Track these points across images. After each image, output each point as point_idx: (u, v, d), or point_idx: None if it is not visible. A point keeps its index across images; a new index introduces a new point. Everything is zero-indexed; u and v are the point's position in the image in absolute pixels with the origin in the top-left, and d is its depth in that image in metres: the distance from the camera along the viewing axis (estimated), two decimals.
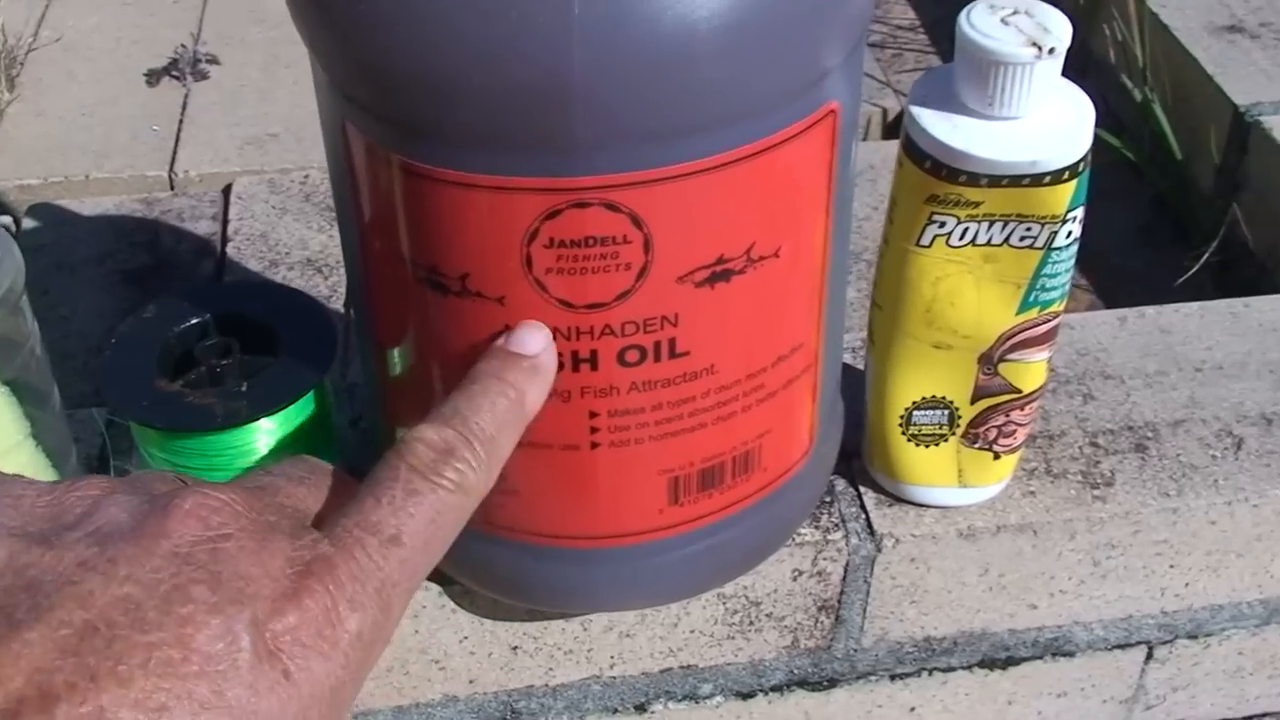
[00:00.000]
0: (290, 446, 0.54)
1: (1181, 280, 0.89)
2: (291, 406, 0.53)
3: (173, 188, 0.99)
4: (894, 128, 1.08)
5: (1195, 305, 0.72)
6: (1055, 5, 0.52)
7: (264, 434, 0.53)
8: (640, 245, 0.44)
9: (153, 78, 1.09)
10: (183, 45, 1.13)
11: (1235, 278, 0.91)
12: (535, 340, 0.45)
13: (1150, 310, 0.72)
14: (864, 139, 1.06)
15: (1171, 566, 0.64)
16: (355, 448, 0.62)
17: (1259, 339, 0.70)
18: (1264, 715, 0.73)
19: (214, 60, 1.12)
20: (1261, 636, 0.69)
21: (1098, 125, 0.52)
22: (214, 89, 1.09)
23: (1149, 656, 0.68)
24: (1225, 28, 0.96)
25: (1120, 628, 0.66)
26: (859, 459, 0.62)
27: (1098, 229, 0.96)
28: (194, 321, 0.56)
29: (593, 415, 0.48)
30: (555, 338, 0.46)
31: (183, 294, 0.57)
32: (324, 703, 0.34)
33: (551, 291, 0.45)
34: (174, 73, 1.10)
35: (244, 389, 0.53)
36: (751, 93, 0.43)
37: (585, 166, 0.43)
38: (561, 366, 0.47)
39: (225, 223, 0.94)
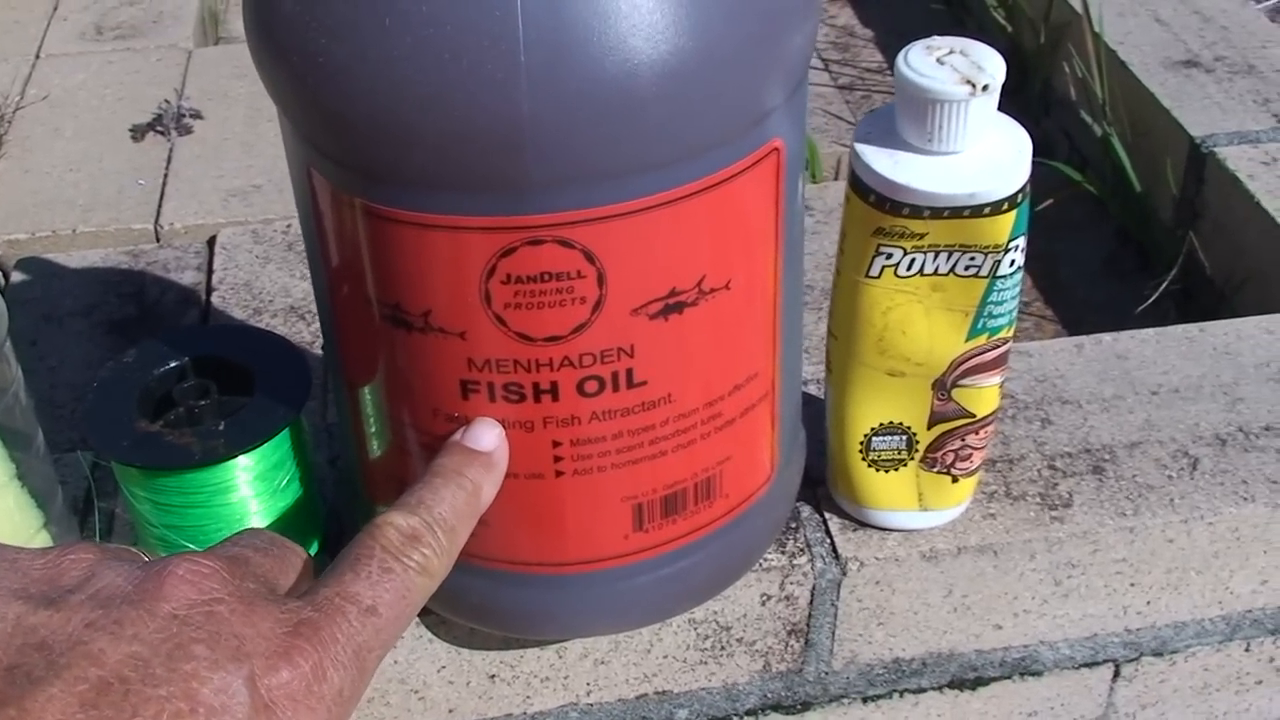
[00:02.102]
0: (267, 481, 0.56)
1: (1142, 308, 0.91)
2: (268, 444, 0.55)
3: (158, 240, 1.01)
4: None
5: (1151, 331, 0.74)
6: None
7: (241, 471, 0.55)
8: (594, 279, 0.46)
9: (137, 133, 1.12)
10: (166, 101, 1.15)
11: (1197, 305, 0.93)
12: (489, 437, 0.49)
13: (1107, 337, 0.74)
14: (835, 179, 1.09)
15: (1132, 585, 0.66)
16: (333, 484, 0.64)
17: (1213, 363, 0.72)
18: None
19: (197, 115, 1.14)
20: (1225, 652, 0.71)
21: (1061, 160, 0.54)
22: (198, 143, 1.11)
23: (1116, 674, 0.70)
24: (1181, 62, 0.99)
25: (1086, 646, 0.68)
26: (823, 485, 0.64)
27: (1063, 260, 0.99)
28: (173, 364, 0.58)
29: (556, 444, 0.50)
30: (515, 370, 0.48)
31: (162, 338, 0.59)
32: None
33: (511, 326, 0.47)
34: (158, 128, 1.12)
35: (221, 428, 0.55)
36: (696, 133, 0.45)
37: (538, 205, 0.45)
38: (524, 398, 0.49)
39: (210, 272, 0.96)
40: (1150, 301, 0.90)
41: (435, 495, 0.46)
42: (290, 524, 0.57)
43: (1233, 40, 1.02)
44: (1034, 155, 0.54)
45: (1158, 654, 0.69)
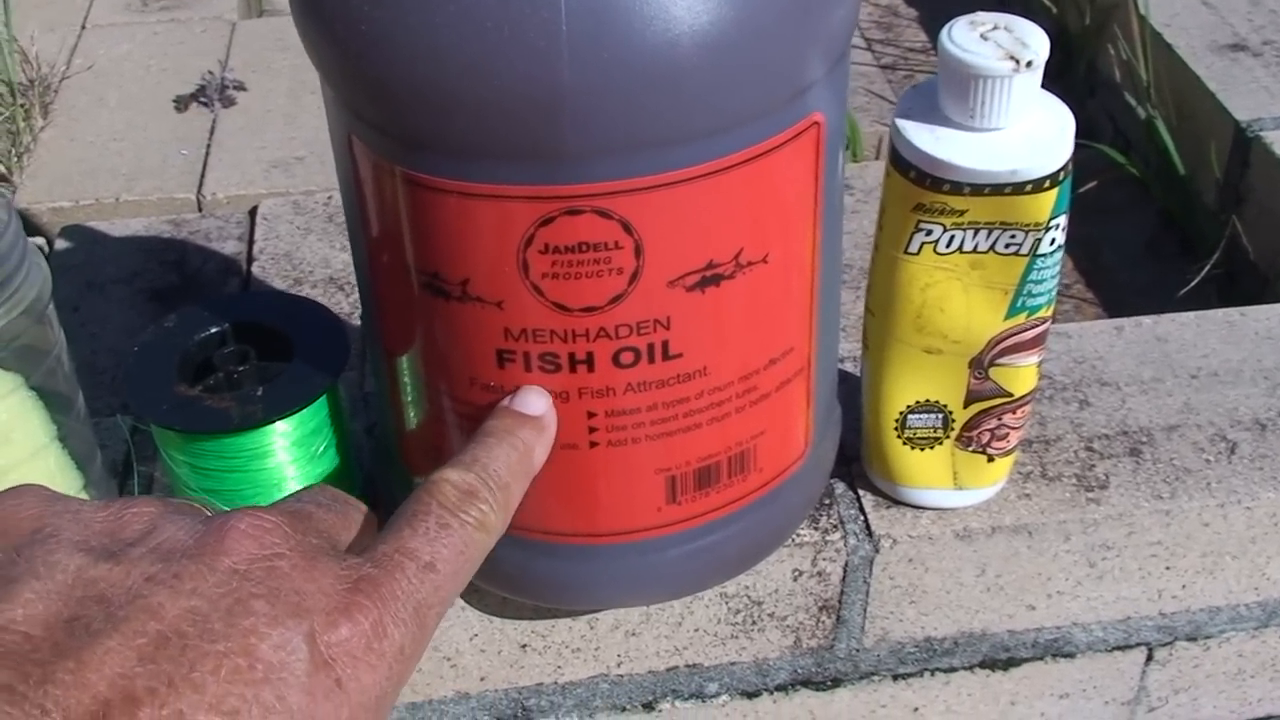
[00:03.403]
0: (304, 448, 0.56)
1: (1184, 292, 0.91)
2: (305, 410, 0.55)
3: (200, 209, 1.02)
4: None
5: (1192, 314, 0.73)
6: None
7: (279, 436, 0.55)
8: (631, 251, 0.46)
9: (181, 104, 1.12)
10: (210, 72, 1.16)
11: (1240, 290, 0.92)
12: (539, 403, 0.50)
13: (1148, 319, 0.73)
14: (875, 158, 1.08)
15: (1167, 568, 0.66)
16: (370, 452, 0.65)
17: (1254, 347, 0.71)
18: (1267, 718, 0.74)
19: (241, 87, 1.15)
20: (1261, 639, 0.70)
21: (1105, 142, 0.54)
22: (241, 114, 1.11)
23: (1149, 658, 0.70)
24: (1228, 46, 0.98)
25: (1119, 629, 0.68)
26: (858, 462, 0.64)
27: (1105, 243, 0.98)
28: (213, 330, 0.58)
29: (590, 415, 0.50)
30: (551, 340, 0.49)
31: (202, 304, 0.60)
32: (370, 711, 0.37)
33: (548, 295, 0.47)
34: (202, 99, 1.13)
35: (259, 393, 0.55)
36: (735, 104, 0.45)
37: (577, 175, 0.45)
38: (559, 368, 0.49)
39: (251, 243, 0.96)
40: (1192, 286, 0.90)
41: (489, 454, 0.46)
42: None
43: None
44: (1077, 137, 0.54)
45: (1191, 639, 0.69)
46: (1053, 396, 0.68)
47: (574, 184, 0.45)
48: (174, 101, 1.13)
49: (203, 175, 1.04)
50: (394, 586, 0.39)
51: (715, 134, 0.45)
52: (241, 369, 0.57)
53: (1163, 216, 0.99)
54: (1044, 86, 0.53)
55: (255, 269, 0.94)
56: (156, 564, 0.36)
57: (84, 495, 0.58)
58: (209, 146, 1.08)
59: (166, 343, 0.58)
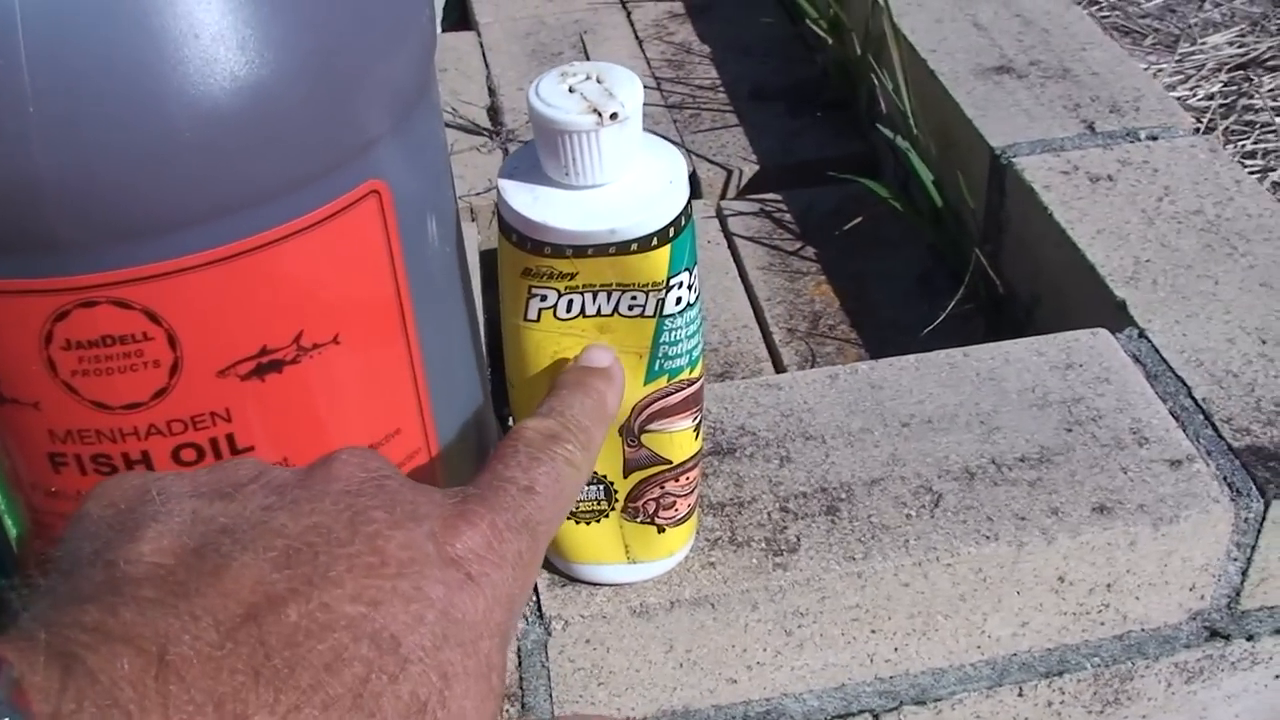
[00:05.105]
0: None
1: (928, 330, 0.88)
2: None
3: None
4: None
5: (912, 358, 0.70)
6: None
7: None
8: (164, 341, 0.43)
9: None
10: None
11: (1009, 322, 0.89)
12: (605, 357, 0.51)
13: (864, 365, 0.70)
14: None
15: (873, 631, 0.62)
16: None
17: (973, 389, 0.68)
18: None
19: None
20: (998, 698, 0.67)
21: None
22: None
23: None
24: (993, 69, 0.95)
25: (835, 697, 0.64)
26: None
27: (874, 280, 0.95)
28: None
29: None
30: (100, 441, 0.45)
31: None
32: (503, 607, 0.38)
33: (84, 394, 0.44)
34: None
35: None
36: (251, 180, 0.41)
37: (84, 265, 0.41)
38: (115, 469, 0.45)
39: None
40: (939, 321, 0.87)
41: (564, 402, 0.47)
42: None
43: (1052, 44, 0.98)
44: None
45: (919, 702, 0.66)
46: (754, 454, 0.65)
47: (83, 274, 0.41)
48: None
49: None
50: (500, 502, 0.40)
51: (232, 212, 0.42)
52: None
53: (934, 250, 0.97)
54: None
55: None
56: (271, 496, 0.38)
57: None
58: None
59: None
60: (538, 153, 0.50)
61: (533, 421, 0.45)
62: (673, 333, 0.52)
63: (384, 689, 0.34)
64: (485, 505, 0.39)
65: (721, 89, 1.16)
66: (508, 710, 0.60)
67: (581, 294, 0.50)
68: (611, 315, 0.51)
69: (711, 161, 1.07)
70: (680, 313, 0.51)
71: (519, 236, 0.49)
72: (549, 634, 0.58)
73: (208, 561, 0.35)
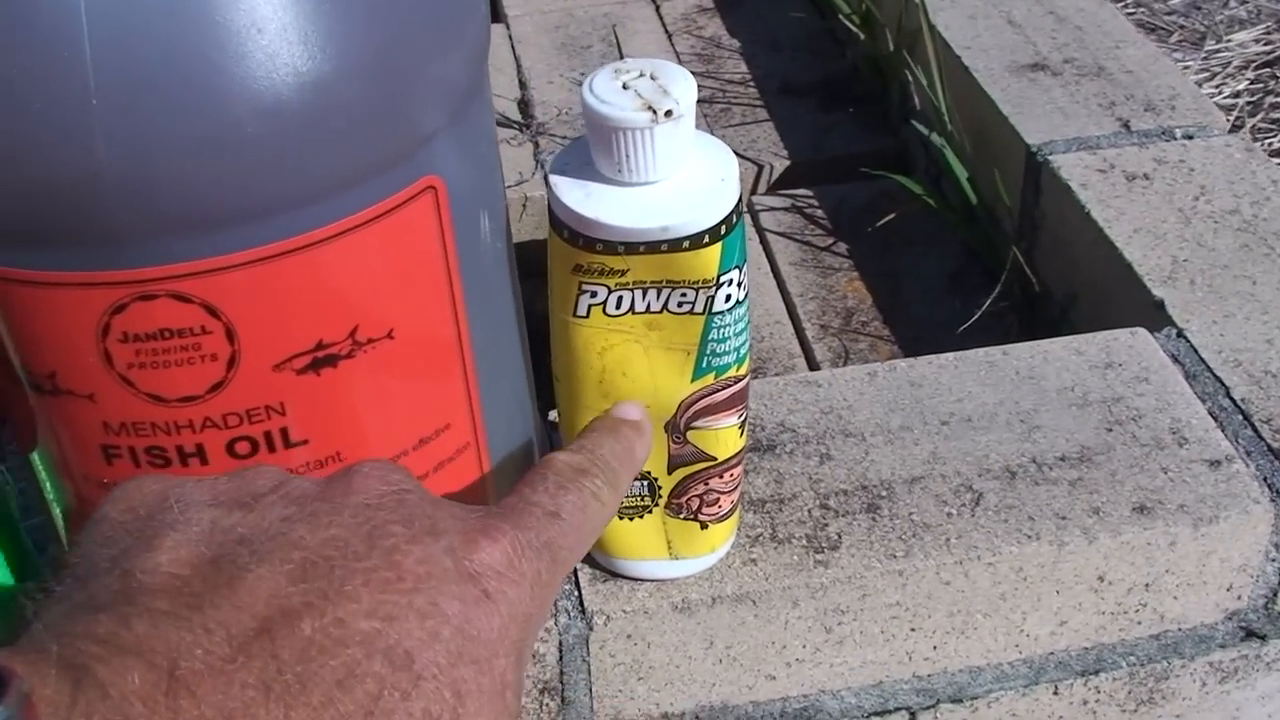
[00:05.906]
0: None
1: (963, 328, 0.87)
2: None
3: None
4: None
5: (951, 355, 0.70)
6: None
7: None
8: (222, 335, 0.43)
9: None
10: None
11: (1043, 321, 0.89)
12: (635, 410, 0.51)
13: (903, 363, 0.70)
14: None
15: (913, 629, 0.62)
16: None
17: (1012, 388, 0.68)
18: None
19: None
20: (1033, 697, 0.67)
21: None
22: None
23: None
24: (1028, 66, 0.95)
25: (873, 694, 0.64)
26: None
27: (907, 277, 0.95)
28: None
29: None
30: (154, 433, 0.45)
31: None
32: (520, 625, 0.38)
33: (139, 387, 0.44)
34: None
35: None
36: (310, 175, 0.41)
37: (142, 258, 0.41)
38: (169, 462, 0.46)
39: None
40: (974, 319, 0.86)
41: (595, 441, 0.47)
42: None
43: (1086, 41, 0.98)
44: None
45: (956, 700, 0.66)
46: (794, 451, 0.65)
47: (141, 267, 0.41)
48: None
49: None
50: (522, 521, 0.40)
51: (292, 207, 0.42)
52: None
53: (968, 247, 0.96)
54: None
55: None
56: (290, 507, 0.37)
57: None
58: None
59: None
60: (589, 149, 0.50)
61: (563, 455, 0.45)
62: (721, 330, 0.52)
63: (396, 706, 0.34)
64: (508, 522, 0.39)
65: (752, 84, 1.16)
66: (548, 703, 0.60)
67: (631, 291, 0.50)
68: (661, 312, 0.51)
69: (742, 156, 1.06)
70: (729, 310, 0.51)
71: (570, 232, 0.49)
72: (590, 629, 0.58)
73: (223, 573, 0.35)
